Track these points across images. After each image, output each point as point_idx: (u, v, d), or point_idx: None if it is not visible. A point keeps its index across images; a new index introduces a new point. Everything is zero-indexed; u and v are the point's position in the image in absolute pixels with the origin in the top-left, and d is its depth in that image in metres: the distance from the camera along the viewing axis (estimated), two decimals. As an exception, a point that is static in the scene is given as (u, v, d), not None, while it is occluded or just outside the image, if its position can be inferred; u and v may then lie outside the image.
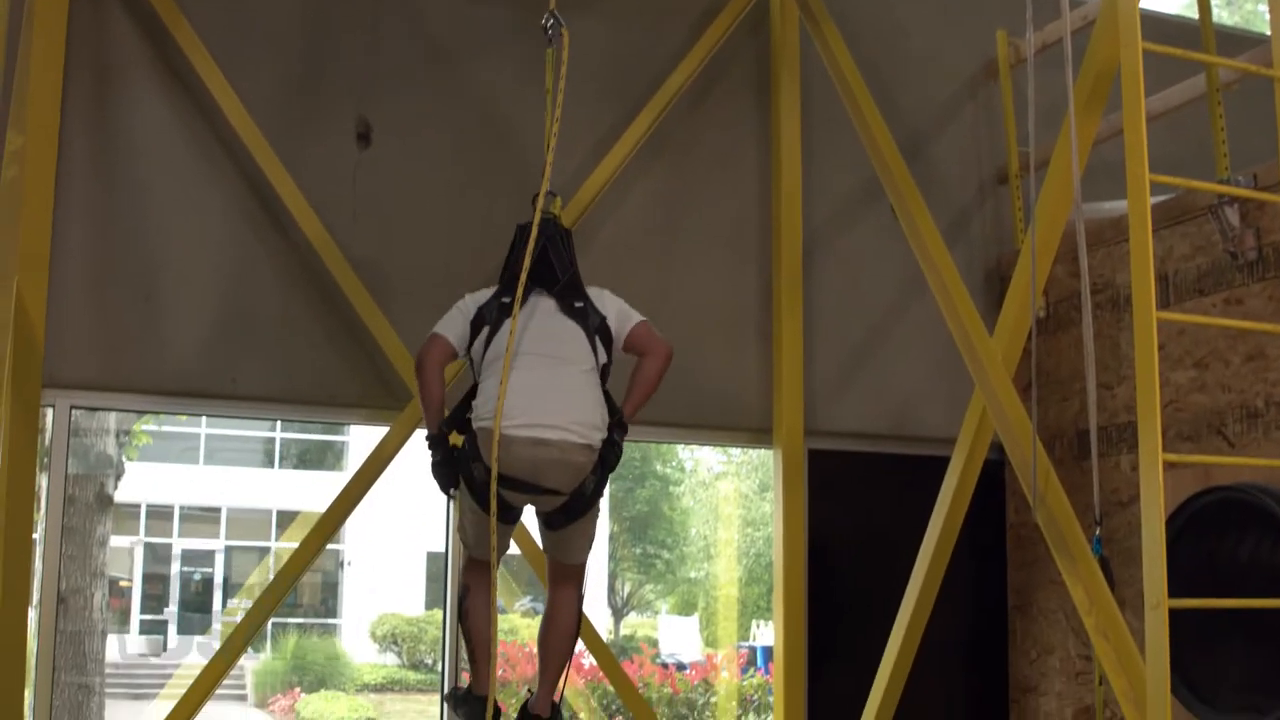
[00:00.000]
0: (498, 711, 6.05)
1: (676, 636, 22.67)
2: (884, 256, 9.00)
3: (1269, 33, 6.85)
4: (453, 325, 6.02)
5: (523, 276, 5.78)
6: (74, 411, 7.71)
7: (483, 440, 5.67)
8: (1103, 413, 8.20)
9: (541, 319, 5.92)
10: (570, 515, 5.90)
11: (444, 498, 8.10)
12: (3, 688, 6.43)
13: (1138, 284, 5.24)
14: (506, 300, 5.91)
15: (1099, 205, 8.24)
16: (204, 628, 27.30)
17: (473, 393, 5.94)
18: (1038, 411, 7.22)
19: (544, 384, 5.75)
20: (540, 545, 6.26)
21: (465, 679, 8.04)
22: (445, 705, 6.85)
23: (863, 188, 8.95)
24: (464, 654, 6.41)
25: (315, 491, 21.69)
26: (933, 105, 9.47)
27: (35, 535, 7.33)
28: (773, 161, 8.89)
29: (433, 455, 6.00)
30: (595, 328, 6.02)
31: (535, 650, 6.26)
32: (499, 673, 6.21)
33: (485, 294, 6.09)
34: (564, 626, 6.14)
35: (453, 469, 5.92)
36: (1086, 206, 6.61)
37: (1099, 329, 8.13)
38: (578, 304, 6.05)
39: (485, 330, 5.95)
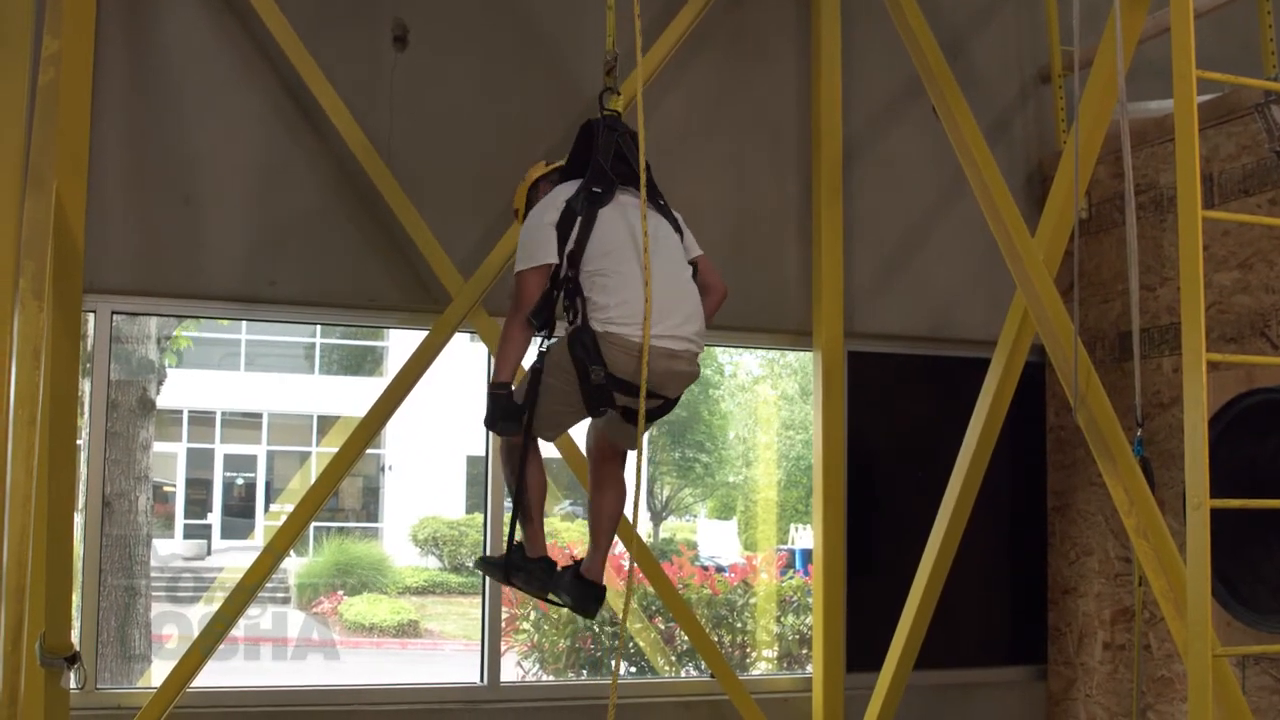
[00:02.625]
0: (552, 564, 6.07)
1: (715, 539, 22.78)
2: (925, 157, 8.95)
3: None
4: (548, 243, 5.69)
5: (642, 175, 5.58)
6: (115, 317, 7.76)
7: (611, 344, 5.52)
8: (1144, 314, 8.15)
9: (636, 216, 5.70)
10: (661, 415, 5.90)
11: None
12: (51, 590, 6.51)
13: (1183, 182, 5.18)
14: (597, 190, 5.77)
15: (1143, 105, 8.16)
16: (247, 532, 27.58)
17: (552, 290, 5.73)
18: (1079, 313, 7.18)
19: (667, 289, 5.62)
20: (597, 431, 6.09)
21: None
22: (486, 572, 6.63)
23: (903, 87, 8.88)
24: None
25: (355, 396, 21.79)
26: (974, 3, 9.35)
27: (79, 440, 7.40)
28: (813, 61, 8.81)
29: (496, 405, 5.78)
30: (676, 227, 5.99)
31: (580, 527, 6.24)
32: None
33: (563, 191, 5.87)
34: (620, 496, 6.10)
35: (517, 420, 5.74)
36: (1130, 106, 6.53)
37: (1141, 230, 8.06)
38: (661, 201, 5.98)
39: (578, 224, 5.69)
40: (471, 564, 7.60)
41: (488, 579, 8.15)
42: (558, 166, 6.22)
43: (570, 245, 5.67)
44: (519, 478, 5.92)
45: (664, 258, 5.69)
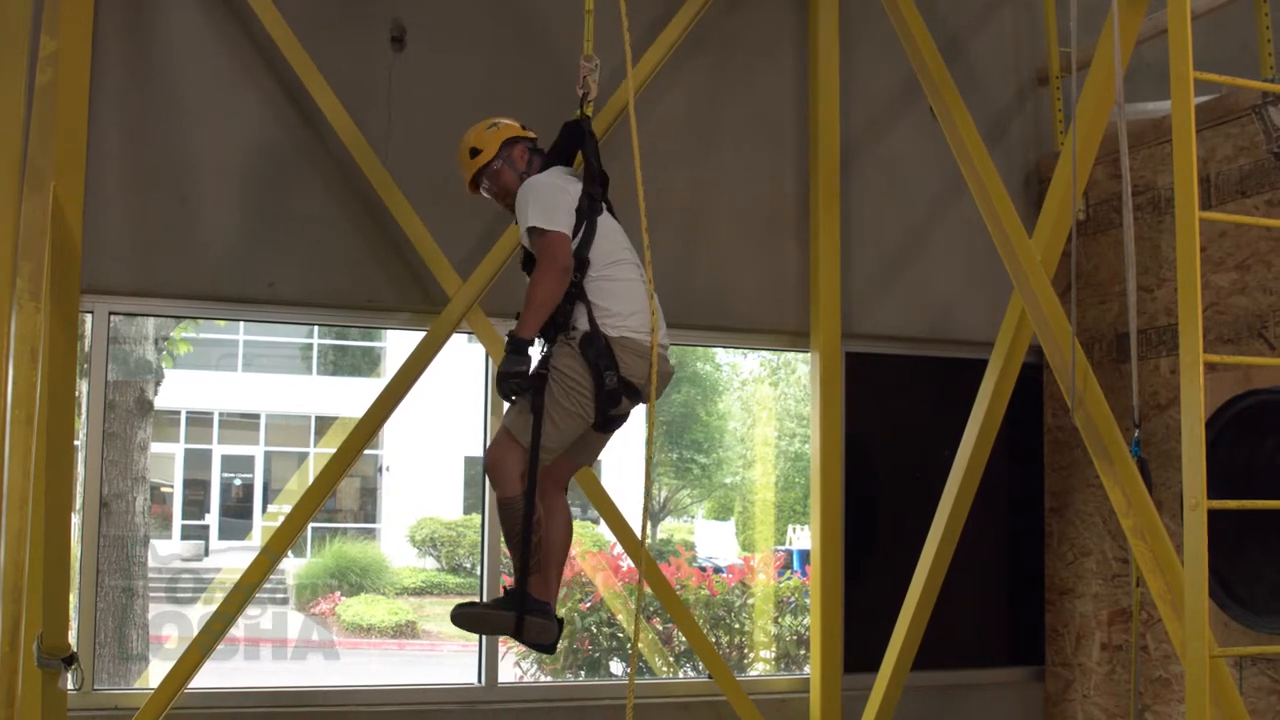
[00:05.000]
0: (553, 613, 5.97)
1: (713, 540, 22.76)
2: (922, 158, 8.95)
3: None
4: (569, 213, 5.75)
5: (639, 179, 5.69)
6: (113, 317, 7.75)
7: (626, 349, 5.65)
8: (1142, 315, 8.15)
9: (616, 226, 5.94)
10: (623, 421, 5.95)
11: (482, 403, 8.14)
12: (49, 590, 6.49)
13: (1180, 183, 5.18)
14: (594, 197, 5.87)
15: (1140, 106, 8.16)
16: (244, 533, 27.56)
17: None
18: (1076, 314, 7.18)
19: (655, 299, 5.80)
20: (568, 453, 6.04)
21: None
22: (475, 625, 6.16)
23: (901, 88, 8.88)
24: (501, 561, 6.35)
25: (353, 397, 21.75)
26: (972, 5, 9.35)
27: (77, 441, 7.39)
28: (810, 61, 8.80)
29: (516, 362, 5.62)
30: None
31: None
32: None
33: (569, 182, 5.93)
34: (569, 524, 6.14)
35: (529, 378, 5.63)
36: (1127, 107, 6.53)
37: (1139, 231, 8.06)
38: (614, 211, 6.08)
39: (583, 228, 5.76)
40: (452, 616, 6.75)
41: (485, 580, 8.16)
42: (533, 138, 6.25)
43: (573, 249, 5.73)
44: (529, 530, 5.72)
45: (639, 266, 5.86)
